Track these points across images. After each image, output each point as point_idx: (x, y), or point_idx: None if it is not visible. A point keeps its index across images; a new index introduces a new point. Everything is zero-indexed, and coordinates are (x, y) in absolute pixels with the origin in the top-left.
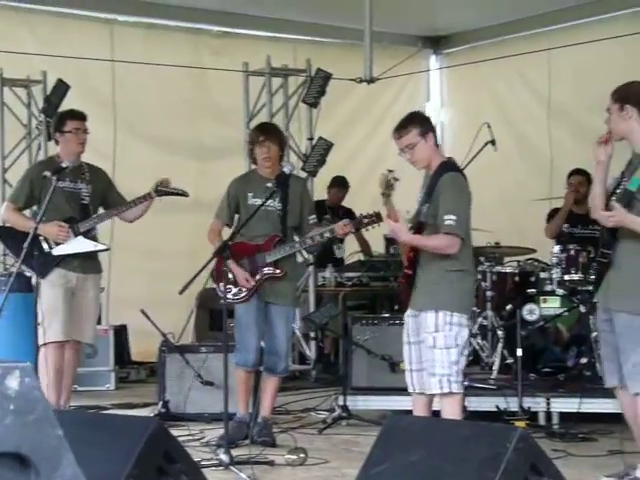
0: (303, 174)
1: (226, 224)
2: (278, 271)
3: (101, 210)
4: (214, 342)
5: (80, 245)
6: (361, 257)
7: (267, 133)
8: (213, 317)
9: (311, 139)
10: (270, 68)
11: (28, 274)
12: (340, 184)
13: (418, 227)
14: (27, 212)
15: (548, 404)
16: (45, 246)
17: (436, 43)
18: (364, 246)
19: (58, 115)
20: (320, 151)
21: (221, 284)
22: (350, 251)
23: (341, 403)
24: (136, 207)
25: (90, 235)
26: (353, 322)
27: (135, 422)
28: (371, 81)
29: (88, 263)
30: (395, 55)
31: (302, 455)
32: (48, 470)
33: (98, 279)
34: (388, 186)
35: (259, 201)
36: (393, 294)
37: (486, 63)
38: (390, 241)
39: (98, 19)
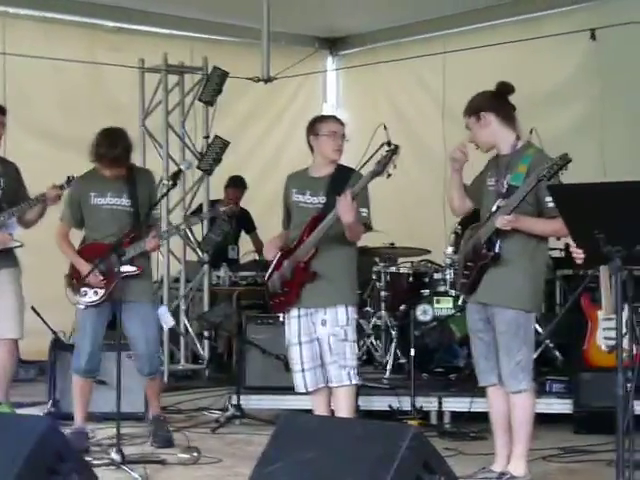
0: (199, 172)
1: (72, 227)
2: (134, 269)
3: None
4: (106, 341)
5: None
6: (256, 257)
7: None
8: None
9: (207, 137)
10: (166, 65)
11: None
12: (237, 184)
13: None
14: None
15: (440, 403)
16: None
17: (333, 44)
18: (259, 246)
19: None
20: (216, 149)
21: (74, 288)
22: (244, 250)
23: (234, 402)
24: (32, 209)
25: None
26: (247, 321)
27: (25, 421)
28: (268, 80)
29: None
30: (292, 55)
31: (195, 454)
32: None
33: (14, 273)
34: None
35: (102, 200)
36: None
37: (382, 65)
38: None
39: None
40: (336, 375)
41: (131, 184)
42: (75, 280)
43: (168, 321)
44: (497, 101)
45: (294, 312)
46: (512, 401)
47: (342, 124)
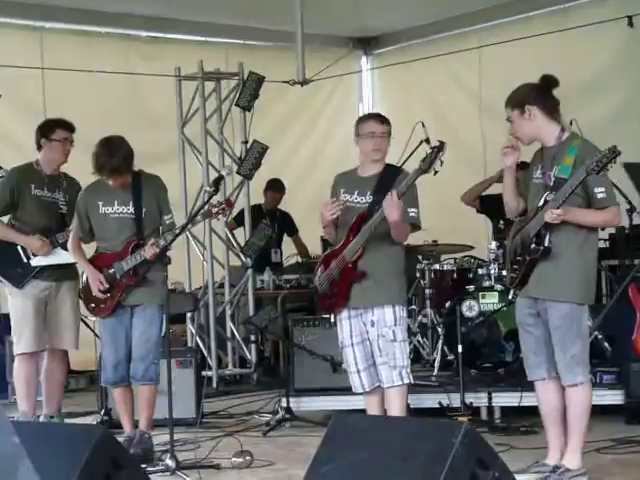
0: (238, 178)
1: (81, 238)
2: (130, 282)
3: None
4: None
5: (58, 257)
6: (299, 259)
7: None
8: None
9: (245, 142)
10: (202, 72)
11: None
12: (276, 187)
13: None
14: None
15: (490, 399)
16: (23, 256)
17: (367, 44)
18: (301, 248)
19: (47, 122)
20: (255, 154)
21: (84, 300)
22: (287, 254)
23: (284, 405)
24: None
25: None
26: (294, 324)
27: (80, 430)
28: (304, 83)
29: (62, 271)
30: (326, 57)
31: (248, 458)
32: (5, 477)
33: (74, 285)
34: None
35: (110, 209)
36: None
37: (417, 62)
38: (327, 243)
39: (27, 27)
40: (387, 376)
41: (137, 192)
42: (85, 296)
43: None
44: (542, 94)
45: (344, 313)
46: (568, 395)
47: (383, 123)
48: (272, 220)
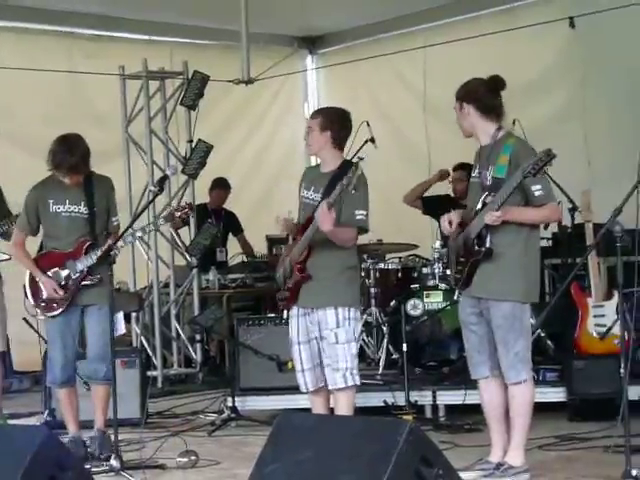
0: (183, 177)
1: (28, 233)
2: (93, 278)
3: None
4: None
5: None
6: (244, 258)
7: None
8: None
9: (190, 141)
10: (147, 71)
11: None
12: (221, 186)
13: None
14: None
15: (434, 397)
16: None
17: (312, 43)
18: (246, 248)
19: None
20: (200, 153)
21: (31, 299)
22: (232, 253)
23: (230, 404)
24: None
25: None
26: (239, 323)
27: (23, 432)
28: (249, 82)
29: None
30: (272, 56)
31: (193, 458)
32: None
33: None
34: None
35: (62, 207)
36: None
37: (362, 62)
38: (272, 241)
39: None
40: (330, 378)
41: (89, 191)
42: (32, 294)
43: (120, 328)
44: (480, 93)
45: (294, 311)
46: (511, 393)
47: (312, 116)
48: (217, 219)
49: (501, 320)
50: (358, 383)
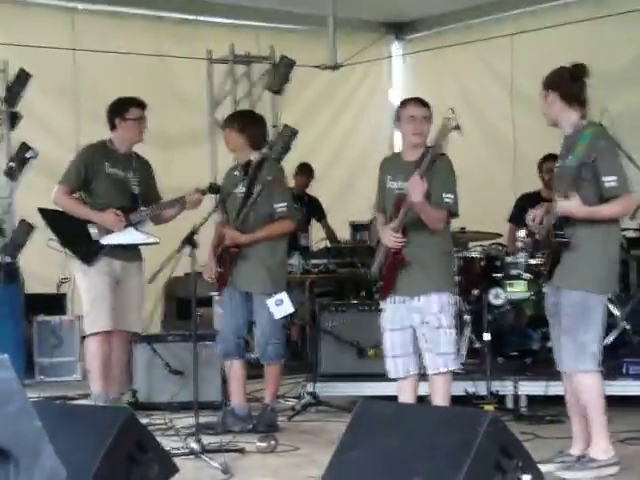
0: None
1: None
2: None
3: None
4: (182, 331)
5: (130, 237)
6: (327, 244)
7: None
8: (180, 306)
9: (276, 126)
10: (233, 55)
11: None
12: (305, 171)
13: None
14: None
15: (516, 387)
16: (94, 233)
17: (399, 29)
18: (330, 233)
19: (120, 101)
20: (285, 138)
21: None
22: (316, 239)
23: (310, 390)
24: (173, 208)
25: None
26: (321, 309)
27: (106, 412)
28: (335, 68)
29: (131, 251)
30: (358, 41)
31: (272, 442)
32: (28, 462)
33: (141, 267)
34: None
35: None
36: (360, 280)
37: (449, 48)
38: (356, 227)
39: (59, 7)
40: (432, 362)
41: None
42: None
43: (288, 307)
44: (564, 81)
45: (390, 299)
46: (576, 381)
47: (424, 106)
48: (300, 204)
49: (569, 308)
50: (459, 368)
